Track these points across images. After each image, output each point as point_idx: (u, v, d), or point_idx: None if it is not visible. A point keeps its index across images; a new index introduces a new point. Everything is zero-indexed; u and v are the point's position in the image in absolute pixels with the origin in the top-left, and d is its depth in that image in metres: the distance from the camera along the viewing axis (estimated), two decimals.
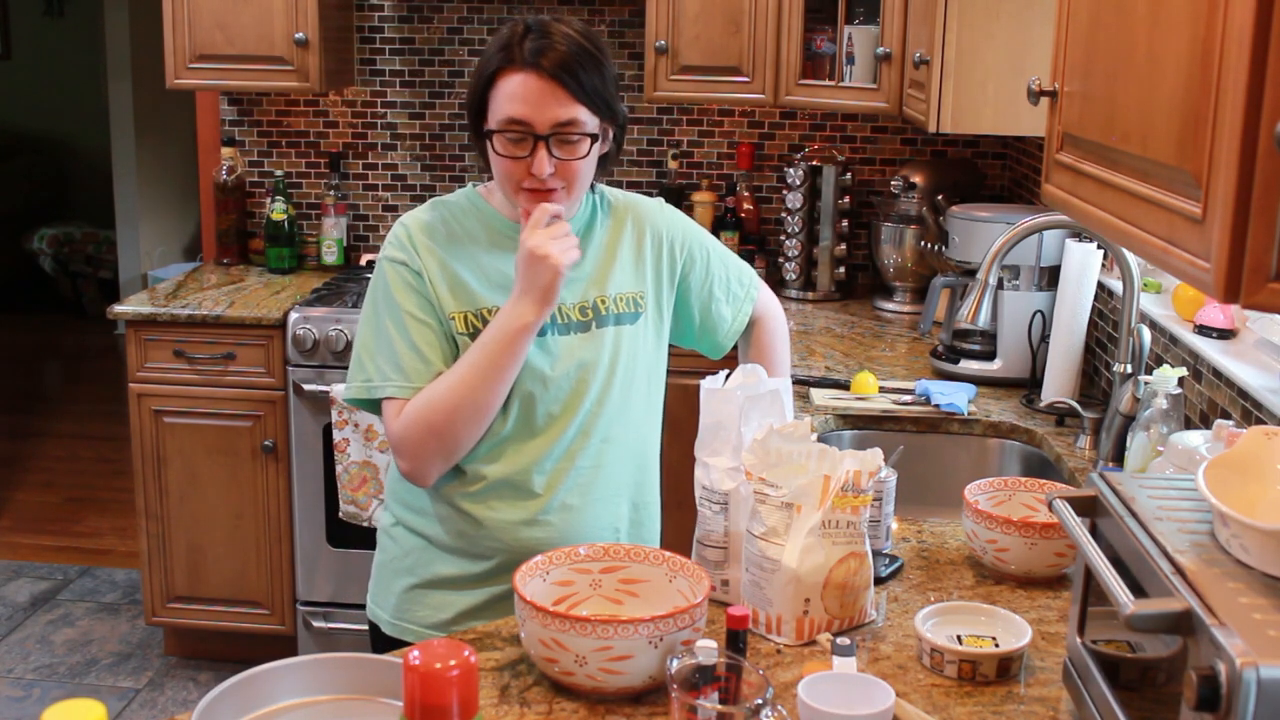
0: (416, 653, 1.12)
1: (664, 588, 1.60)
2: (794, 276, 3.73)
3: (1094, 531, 1.40)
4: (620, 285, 1.90)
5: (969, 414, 2.62)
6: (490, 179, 1.88)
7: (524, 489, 1.84)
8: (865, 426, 2.63)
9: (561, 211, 1.77)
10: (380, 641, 1.92)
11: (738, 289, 2.05)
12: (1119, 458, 2.12)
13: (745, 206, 3.88)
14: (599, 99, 1.76)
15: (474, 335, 1.80)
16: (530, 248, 1.72)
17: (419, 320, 1.80)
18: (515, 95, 1.73)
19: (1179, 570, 1.18)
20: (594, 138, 1.78)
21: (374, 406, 1.84)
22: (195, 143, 4.13)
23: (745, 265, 2.10)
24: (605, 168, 1.87)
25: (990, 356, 2.87)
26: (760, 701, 1.31)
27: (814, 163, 3.72)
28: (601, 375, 1.86)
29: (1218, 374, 2.12)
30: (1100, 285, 2.70)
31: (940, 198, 3.44)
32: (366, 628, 1.99)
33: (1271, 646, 1.05)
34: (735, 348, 2.13)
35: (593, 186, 1.91)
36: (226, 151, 3.95)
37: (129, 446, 3.52)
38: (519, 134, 1.74)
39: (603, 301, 1.87)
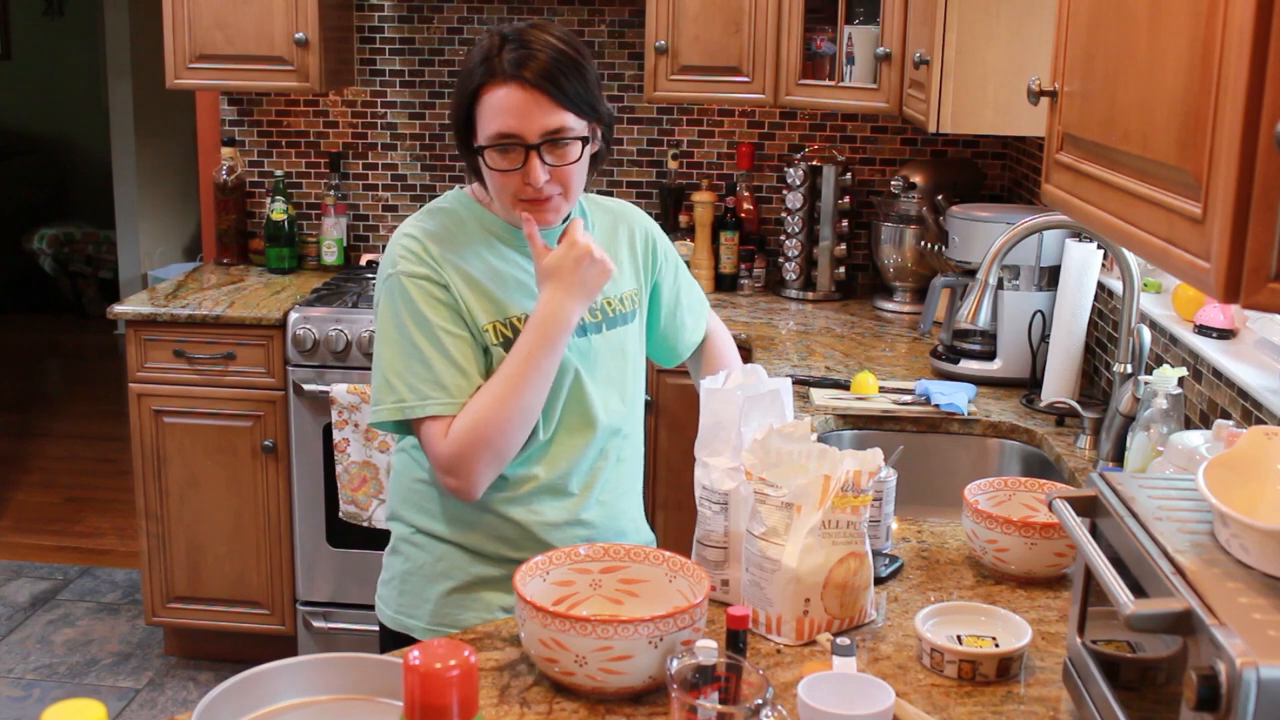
0: (416, 653, 1.11)
1: (664, 588, 1.60)
2: (794, 276, 3.73)
3: (1094, 531, 1.40)
4: (621, 285, 1.93)
5: (969, 414, 2.62)
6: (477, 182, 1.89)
7: (562, 490, 1.85)
8: (865, 426, 2.63)
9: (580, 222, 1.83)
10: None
11: (697, 305, 2.11)
12: (1119, 458, 2.12)
13: (745, 206, 3.88)
14: (583, 103, 1.77)
15: (505, 344, 1.79)
16: (588, 248, 1.76)
17: (453, 334, 1.77)
18: (502, 108, 1.73)
19: (1179, 570, 1.18)
20: (584, 140, 1.78)
21: (401, 428, 1.81)
22: (195, 143, 4.13)
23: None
24: (597, 166, 1.88)
25: (990, 356, 2.87)
26: (760, 701, 1.31)
27: (814, 163, 3.72)
28: (624, 373, 1.90)
29: (1218, 374, 2.11)
30: (1100, 285, 2.70)
31: (940, 198, 3.44)
32: (368, 628, 1.99)
33: (1271, 646, 1.05)
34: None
35: None
36: (226, 151, 3.95)
37: (129, 446, 3.51)
38: (509, 146, 1.74)
39: (609, 303, 1.90)
